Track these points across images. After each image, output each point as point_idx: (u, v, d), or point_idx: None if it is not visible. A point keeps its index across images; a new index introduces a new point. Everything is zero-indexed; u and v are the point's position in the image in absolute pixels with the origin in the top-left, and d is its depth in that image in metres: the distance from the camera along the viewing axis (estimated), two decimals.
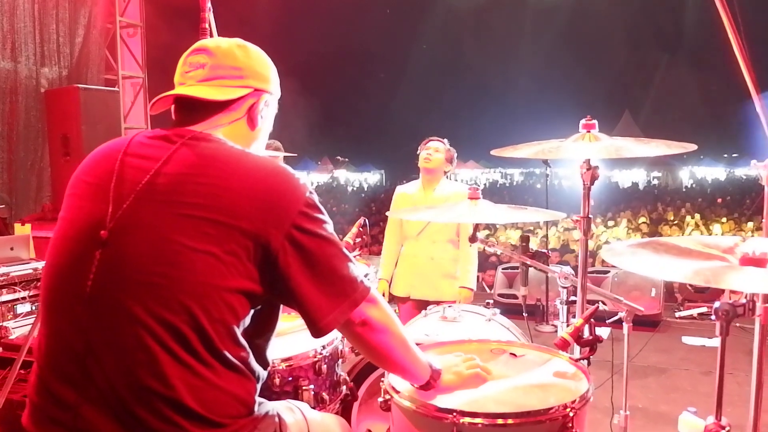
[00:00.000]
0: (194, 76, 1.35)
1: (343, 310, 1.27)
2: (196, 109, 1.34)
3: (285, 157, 3.85)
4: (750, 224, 11.16)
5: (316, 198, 1.29)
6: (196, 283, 1.16)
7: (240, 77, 1.37)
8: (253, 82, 1.39)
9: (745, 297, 1.47)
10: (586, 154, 2.04)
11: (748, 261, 1.37)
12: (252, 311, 1.25)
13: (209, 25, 2.45)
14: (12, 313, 3.55)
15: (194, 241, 1.17)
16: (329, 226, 1.29)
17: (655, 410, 4.05)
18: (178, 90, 1.36)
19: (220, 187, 1.21)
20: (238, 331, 1.23)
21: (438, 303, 2.87)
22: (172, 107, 1.40)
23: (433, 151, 3.61)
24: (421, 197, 3.67)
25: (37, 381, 1.26)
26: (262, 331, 1.32)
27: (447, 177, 3.73)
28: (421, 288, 3.63)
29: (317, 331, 1.27)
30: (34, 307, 3.64)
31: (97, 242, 1.20)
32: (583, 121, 2.10)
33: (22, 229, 5.11)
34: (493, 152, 2.28)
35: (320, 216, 1.28)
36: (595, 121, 2.09)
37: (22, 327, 3.50)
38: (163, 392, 1.14)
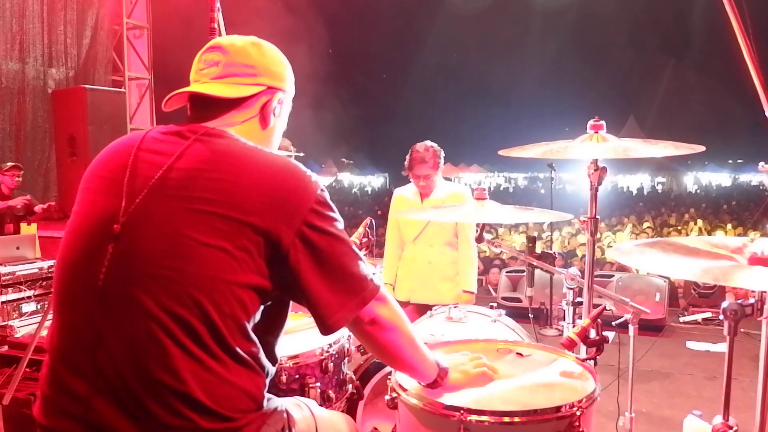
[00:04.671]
0: (208, 73, 1.36)
1: (352, 307, 1.27)
2: (209, 107, 1.35)
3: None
4: (755, 234, 11.08)
5: (327, 196, 1.29)
6: (207, 278, 1.17)
7: (253, 75, 1.37)
8: (267, 80, 1.40)
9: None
10: (593, 155, 2.04)
11: (757, 261, 1.38)
12: (262, 307, 1.25)
13: (218, 26, 2.47)
14: (17, 312, 3.56)
15: (205, 236, 1.17)
16: (340, 224, 1.30)
17: (659, 415, 4.04)
18: (193, 87, 1.37)
19: (231, 183, 1.21)
20: (249, 327, 1.23)
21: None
22: (188, 104, 1.41)
23: (423, 178, 3.54)
24: (418, 200, 3.66)
25: (48, 373, 1.26)
26: (271, 328, 1.33)
27: (451, 180, 3.72)
28: (421, 292, 3.64)
29: (326, 328, 1.27)
30: (39, 306, 3.65)
31: (110, 236, 1.21)
32: (591, 122, 2.10)
33: (28, 229, 5.12)
34: (500, 152, 2.28)
35: (331, 214, 1.28)
36: (603, 122, 2.09)
37: (27, 326, 3.52)
38: (173, 385, 1.15)
